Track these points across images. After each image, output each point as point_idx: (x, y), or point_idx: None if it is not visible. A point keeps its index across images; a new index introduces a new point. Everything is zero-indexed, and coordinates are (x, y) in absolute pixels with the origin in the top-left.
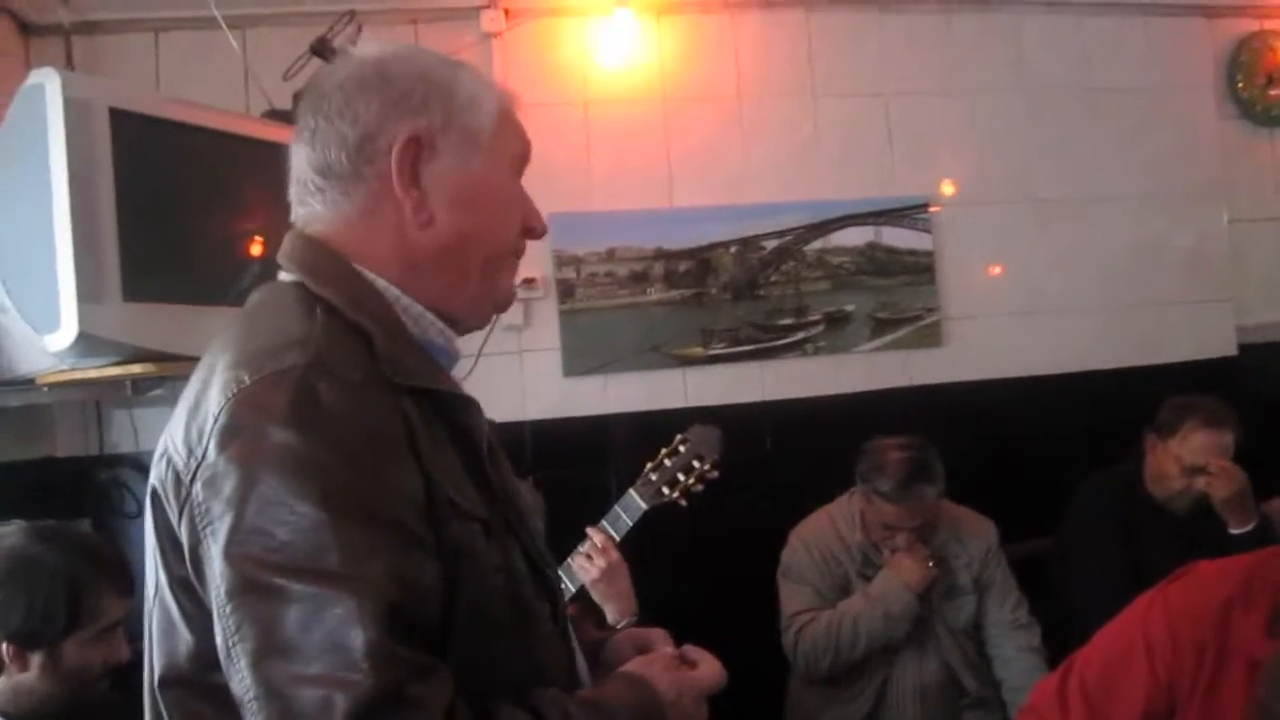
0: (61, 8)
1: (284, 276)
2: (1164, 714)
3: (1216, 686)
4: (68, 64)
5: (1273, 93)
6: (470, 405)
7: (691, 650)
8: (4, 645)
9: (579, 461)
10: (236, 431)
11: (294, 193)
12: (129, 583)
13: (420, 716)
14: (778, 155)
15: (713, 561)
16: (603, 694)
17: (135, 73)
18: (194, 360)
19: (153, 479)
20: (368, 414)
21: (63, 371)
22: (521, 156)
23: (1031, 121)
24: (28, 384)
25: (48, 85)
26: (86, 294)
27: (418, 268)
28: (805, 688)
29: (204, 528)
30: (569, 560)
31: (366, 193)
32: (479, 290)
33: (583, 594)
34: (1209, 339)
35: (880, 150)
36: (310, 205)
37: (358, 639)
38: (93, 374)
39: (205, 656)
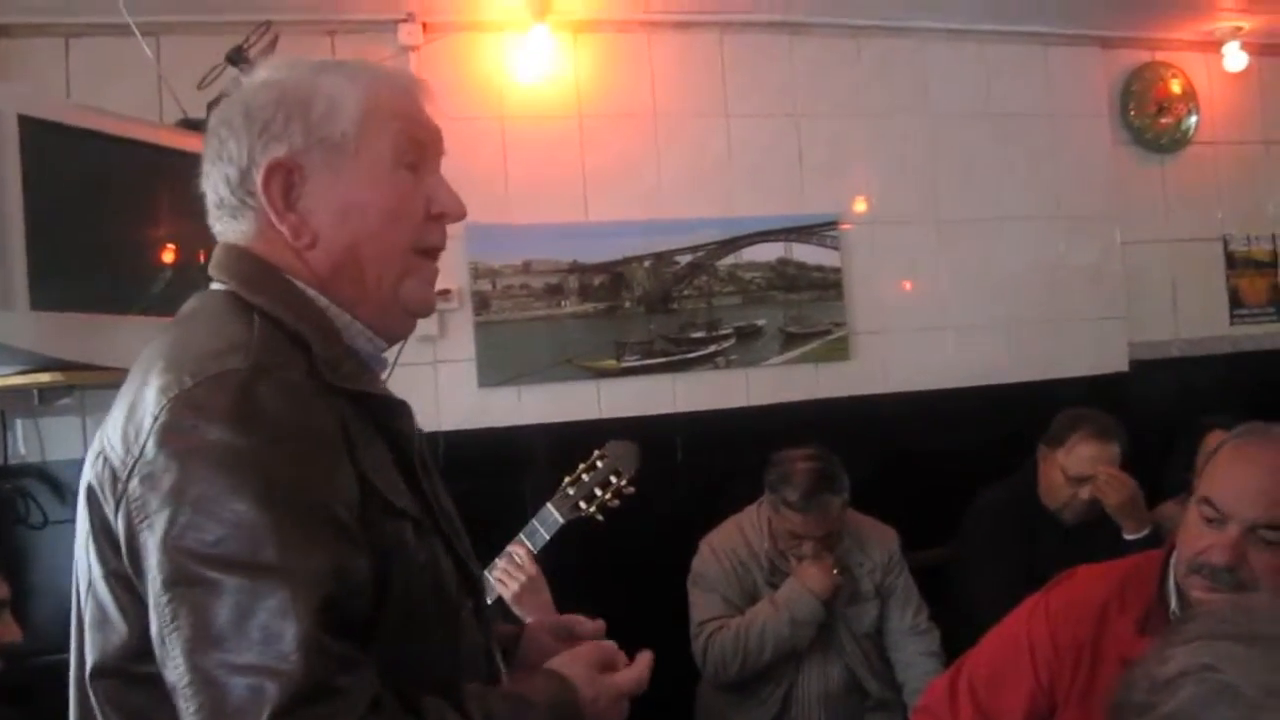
0: None
1: (216, 286)
2: (1046, 713)
3: (1093, 686)
4: None
5: (1163, 121)
6: (402, 409)
7: (642, 657)
8: None
9: (493, 472)
10: (176, 430)
11: (210, 218)
12: (8, 568)
13: (348, 707)
14: (691, 172)
15: (625, 570)
16: (523, 689)
17: (46, 79)
18: (103, 370)
19: (88, 477)
20: (306, 414)
21: None
22: (408, 145)
23: (936, 144)
24: None
25: None
26: None
27: (324, 282)
28: (714, 694)
29: (140, 521)
30: (487, 573)
31: (255, 220)
32: (380, 297)
33: (501, 605)
34: (1103, 355)
35: (791, 169)
36: (225, 226)
37: (290, 630)
38: None
39: (138, 648)
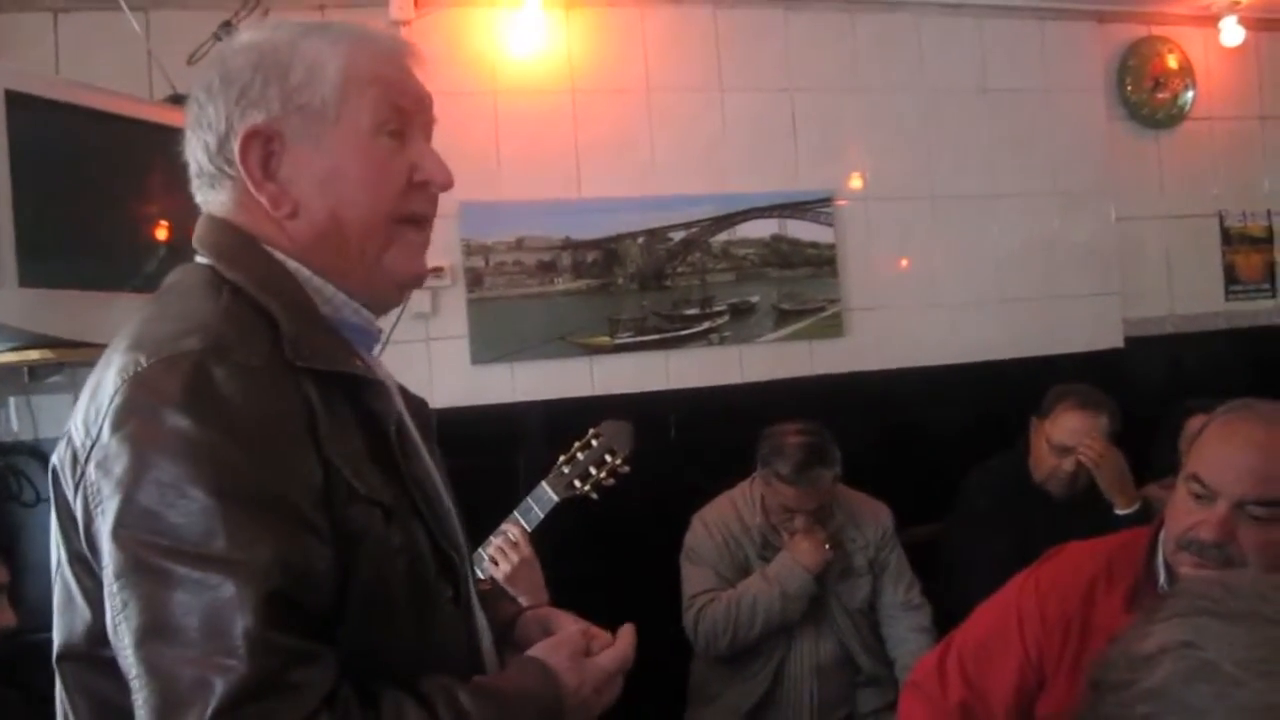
0: None
1: (198, 260)
2: (1034, 687)
3: (1080, 660)
4: None
5: (1159, 96)
6: (376, 387)
7: (624, 632)
8: None
9: (486, 449)
10: (130, 414)
11: (192, 188)
12: (6, 550)
13: (299, 701)
14: (685, 148)
15: (618, 546)
16: (498, 681)
17: (33, 54)
18: (94, 346)
19: (53, 458)
20: (264, 399)
21: None
22: (390, 111)
23: (931, 119)
24: None
25: None
26: None
27: (307, 250)
28: (707, 668)
29: (95, 507)
30: (480, 551)
31: (234, 189)
32: (365, 267)
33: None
34: (1097, 332)
35: (785, 145)
36: (205, 195)
37: (237, 624)
38: None
39: (101, 632)
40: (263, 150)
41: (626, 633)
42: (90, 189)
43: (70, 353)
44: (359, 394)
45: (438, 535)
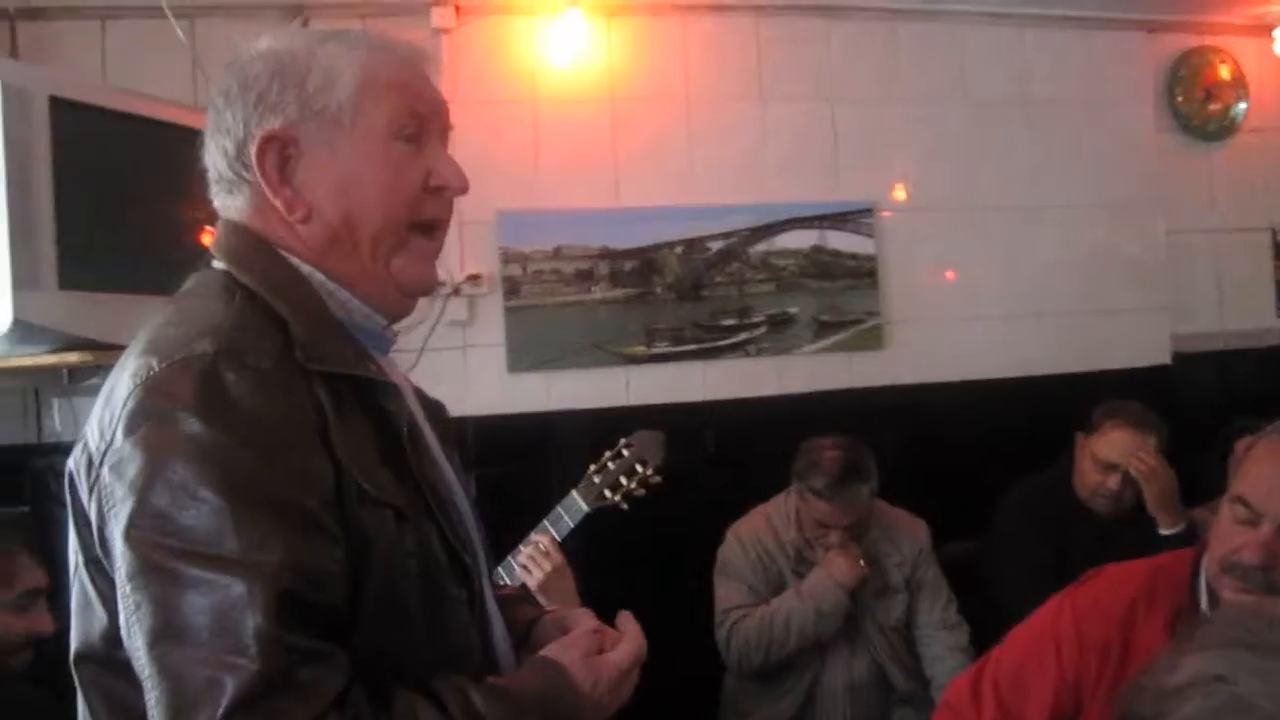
0: None
1: (215, 264)
2: (1071, 711)
3: (1119, 686)
4: (12, 50)
5: (1211, 107)
6: (388, 390)
7: (625, 621)
8: None
9: (521, 457)
10: (143, 417)
11: (211, 193)
12: (47, 555)
13: (308, 701)
14: (725, 157)
15: (652, 558)
16: (511, 681)
17: (81, 61)
18: None
19: (69, 462)
20: (275, 403)
21: None
22: (406, 116)
23: (974, 130)
24: None
25: None
26: (22, 282)
27: (320, 256)
28: (739, 684)
29: (109, 510)
30: (510, 559)
31: (251, 194)
32: (375, 273)
33: (526, 592)
34: (1145, 347)
35: (826, 155)
36: (223, 201)
37: (248, 624)
38: (28, 361)
39: (116, 634)
40: (279, 155)
41: (630, 624)
42: (131, 193)
43: (109, 355)
44: (371, 396)
45: (451, 538)
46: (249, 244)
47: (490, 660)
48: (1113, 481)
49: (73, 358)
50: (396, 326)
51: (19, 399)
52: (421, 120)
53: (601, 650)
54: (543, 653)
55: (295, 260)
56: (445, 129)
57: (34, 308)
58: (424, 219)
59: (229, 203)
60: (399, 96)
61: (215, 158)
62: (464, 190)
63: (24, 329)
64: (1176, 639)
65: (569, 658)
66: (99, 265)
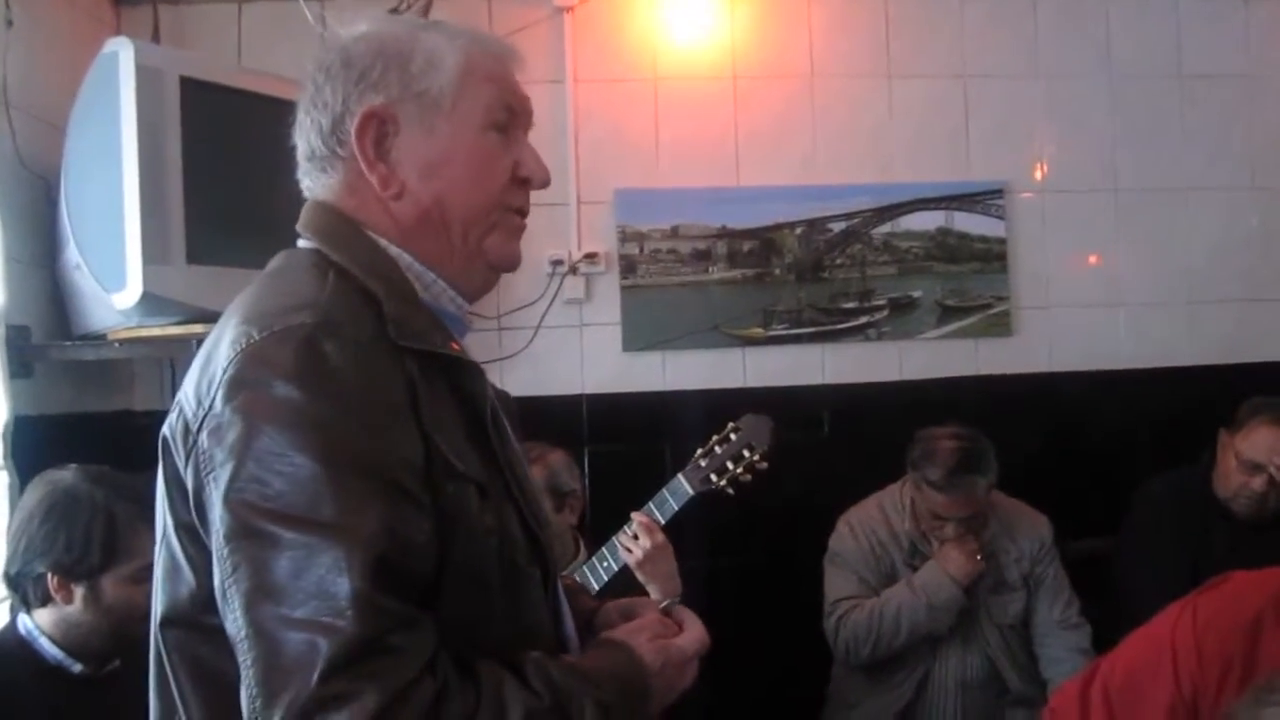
0: None
1: (302, 243)
2: None
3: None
4: (154, 34)
5: None
6: (473, 370)
7: (680, 611)
8: (50, 576)
9: (634, 436)
10: (242, 384)
11: (300, 172)
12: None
13: (401, 665)
14: (848, 136)
15: (762, 542)
16: (586, 660)
17: (218, 43)
18: None
19: (164, 428)
20: (371, 374)
21: (130, 329)
22: (500, 108)
23: (1117, 107)
24: (100, 339)
25: (121, 54)
26: (152, 256)
27: (409, 234)
28: (847, 674)
29: (207, 474)
30: (614, 539)
31: (346, 171)
32: (465, 252)
33: (626, 572)
34: None
35: (956, 134)
36: (313, 180)
37: (344, 587)
38: (157, 332)
39: (205, 599)
40: (378, 131)
41: (690, 616)
42: (256, 172)
43: None
44: (457, 376)
45: (529, 517)
46: (340, 224)
47: (561, 641)
48: (1257, 483)
49: (199, 329)
50: (506, 307)
51: (156, 367)
52: (513, 114)
53: (669, 635)
54: (611, 634)
55: (384, 242)
56: (529, 125)
57: (162, 281)
58: (509, 207)
59: (321, 181)
60: (496, 89)
61: (309, 134)
62: (546, 184)
63: (153, 301)
64: (1270, 674)
65: (637, 640)
66: (224, 241)
